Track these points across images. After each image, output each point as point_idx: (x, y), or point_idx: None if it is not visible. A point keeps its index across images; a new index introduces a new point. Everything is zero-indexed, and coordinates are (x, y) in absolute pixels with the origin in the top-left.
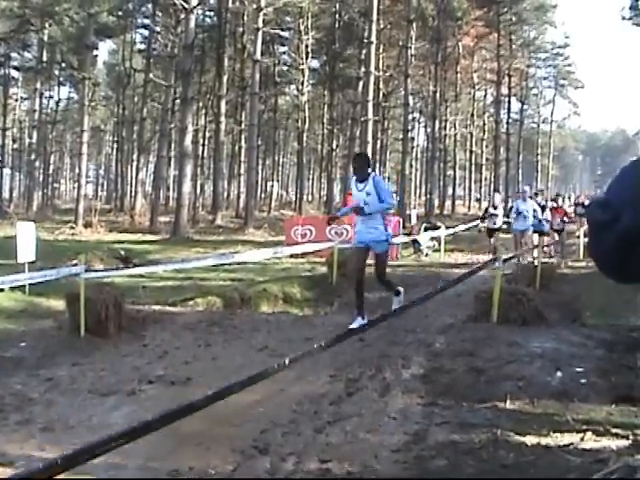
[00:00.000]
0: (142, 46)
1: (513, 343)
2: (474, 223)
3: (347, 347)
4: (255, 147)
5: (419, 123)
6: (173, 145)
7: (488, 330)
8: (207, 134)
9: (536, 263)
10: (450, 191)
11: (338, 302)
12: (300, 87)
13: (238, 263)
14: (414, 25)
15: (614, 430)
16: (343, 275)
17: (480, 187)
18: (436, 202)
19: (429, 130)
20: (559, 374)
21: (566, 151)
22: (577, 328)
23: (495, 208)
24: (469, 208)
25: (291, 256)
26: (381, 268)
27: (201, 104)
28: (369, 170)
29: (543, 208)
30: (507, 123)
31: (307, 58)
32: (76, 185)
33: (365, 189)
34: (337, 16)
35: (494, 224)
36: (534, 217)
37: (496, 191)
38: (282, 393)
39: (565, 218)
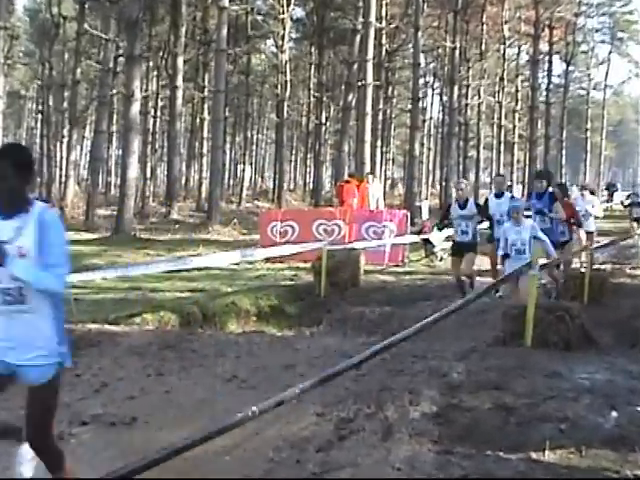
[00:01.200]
0: None
1: (553, 373)
2: None
3: (340, 377)
4: (222, 120)
5: (433, 90)
6: (115, 117)
7: (520, 356)
8: (160, 103)
9: (583, 270)
10: (472, 177)
11: (327, 319)
12: (280, 43)
13: (199, 269)
14: None
15: None
16: (334, 284)
17: (511, 172)
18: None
19: (445, 99)
20: (614, 414)
21: (624, 125)
22: (637, 355)
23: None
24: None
25: (267, 260)
26: None
27: (152, 64)
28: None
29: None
30: (547, 90)
31: (289, 5)
32: None
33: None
34: None
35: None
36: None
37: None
38: (256, 437)
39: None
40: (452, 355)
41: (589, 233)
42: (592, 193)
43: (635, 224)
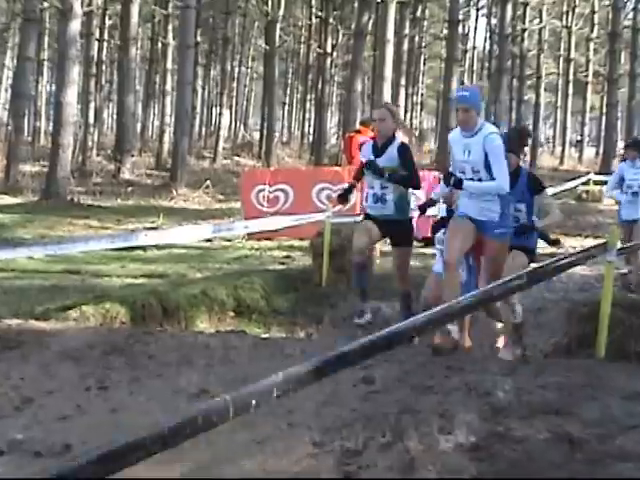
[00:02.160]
0: None
1: (635, 394)
2: (574, 183)
3: (343, 393)
4: (192, 46)
5: (477, 9)
6: (47, 39)
7: (589, 371)
8: (108, 21)
9: None
10: (530, 128)
11: (330, 317)
12: None
13: (159, 247)
14: None
15: None
16: (340, 270)
17: (582, 123)
18: None
19: (494, 22)
20: None
21: None
22: None
23: None
24: (562, 159)
25: (251, 236)
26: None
27: None
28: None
29: None
30: (635, 10)
31: None
32: None
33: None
34: None
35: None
36: None
37: None
38: (230, 470)
39: None
40: (497, 367)
41: None
42: None
43: None
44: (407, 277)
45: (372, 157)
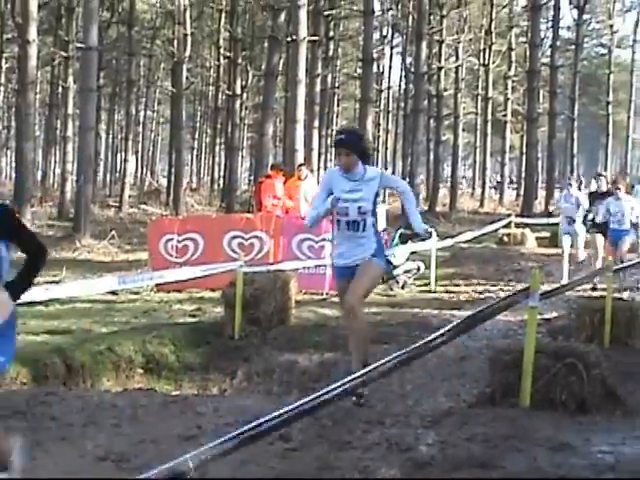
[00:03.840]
0: None
1: (561, 445)
2: (495, 226)
3: (260, 451)
4: (94, 89)
5: (392, 48)
6: None
7: (515, 421)
8: (4, 63)
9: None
10: (448, 171)
11: (244, 371)
12: None
13: (62, 301)
14: None
15: None
16: (254, 322)
17: (502, 163)
18: (422, 189)
19: (410, 60)
20: None
21: None
22: None
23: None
24: (482, 202)
25: (159, 288)
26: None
27: None
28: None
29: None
30: (552, 47)
31: None
32: None
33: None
34: None
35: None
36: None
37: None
38: None
39: None
40: (419, 420)
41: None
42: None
43: None
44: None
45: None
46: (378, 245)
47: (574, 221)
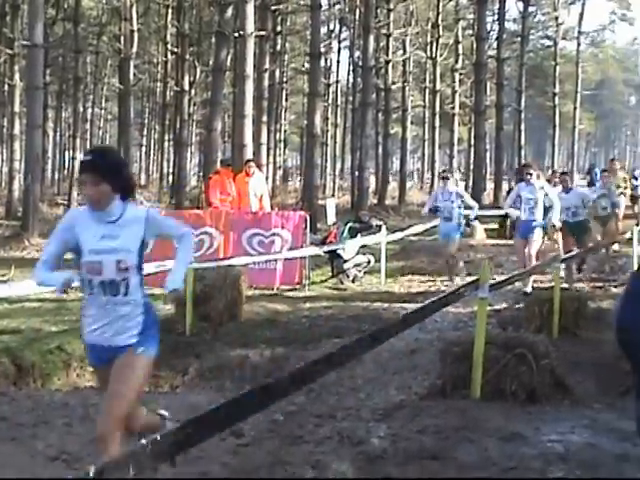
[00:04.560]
0: None
1: (511, 435)
2: None
3: (212, 447)
4: (40, 87)
5: (340, 42)
6: None
7: (466, 412)
8: None
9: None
10: (397, 164)
11: (195, 368)
12: None
13: (10, 301)
14: None
15: None
16: (205, 318)
17: (450, 155)
18: (371, 183)
19: (358, 54)
20: None
21: (607, 87)
22: (628, 407)
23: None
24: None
25: None
26: None
27: None
28: None
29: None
30: (499, 40)
31: None
32: None
33: None
34: None
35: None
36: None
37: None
38: None
39: None
40: (370, 413)
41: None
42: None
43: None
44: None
45: None
46: (147, 317)
47: (451, 219)
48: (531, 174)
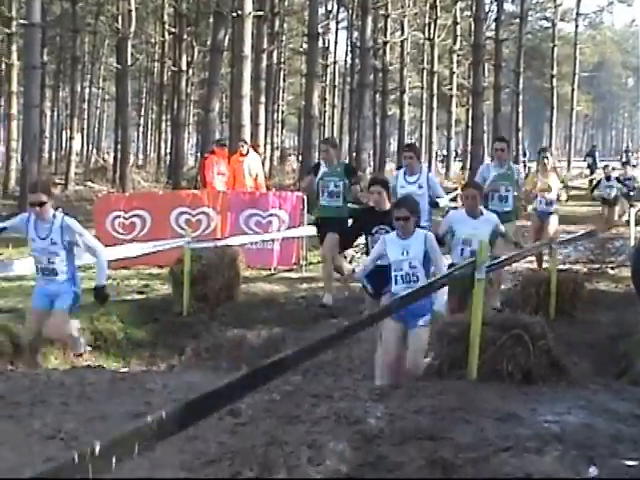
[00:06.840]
0: None
1: (508, 416)
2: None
3: (209, 426)
4: (38, 66)
5: (337, 23)
6: None
7: (462, 393)
8: None
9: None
10: (394, 145)
11: (192, 348)
12: None
13: (8, 279)
14: None
15: None
16: (202, 298)
17: (448, 137)
18: (369, 164)
19: (356, 35)
20: (593, 471)
21: (605, 69)
22: (624, 388)
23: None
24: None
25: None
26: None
27: None
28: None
29: None
30: (497, 21)
31: None
32: None
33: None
34: None
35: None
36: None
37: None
38: None
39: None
40: (368, 393)
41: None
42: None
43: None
44: None
45: None
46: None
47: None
48: (503, 150)
